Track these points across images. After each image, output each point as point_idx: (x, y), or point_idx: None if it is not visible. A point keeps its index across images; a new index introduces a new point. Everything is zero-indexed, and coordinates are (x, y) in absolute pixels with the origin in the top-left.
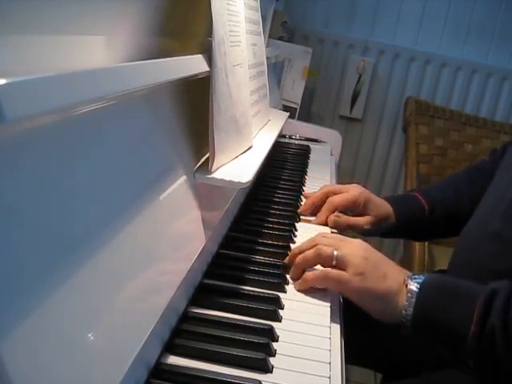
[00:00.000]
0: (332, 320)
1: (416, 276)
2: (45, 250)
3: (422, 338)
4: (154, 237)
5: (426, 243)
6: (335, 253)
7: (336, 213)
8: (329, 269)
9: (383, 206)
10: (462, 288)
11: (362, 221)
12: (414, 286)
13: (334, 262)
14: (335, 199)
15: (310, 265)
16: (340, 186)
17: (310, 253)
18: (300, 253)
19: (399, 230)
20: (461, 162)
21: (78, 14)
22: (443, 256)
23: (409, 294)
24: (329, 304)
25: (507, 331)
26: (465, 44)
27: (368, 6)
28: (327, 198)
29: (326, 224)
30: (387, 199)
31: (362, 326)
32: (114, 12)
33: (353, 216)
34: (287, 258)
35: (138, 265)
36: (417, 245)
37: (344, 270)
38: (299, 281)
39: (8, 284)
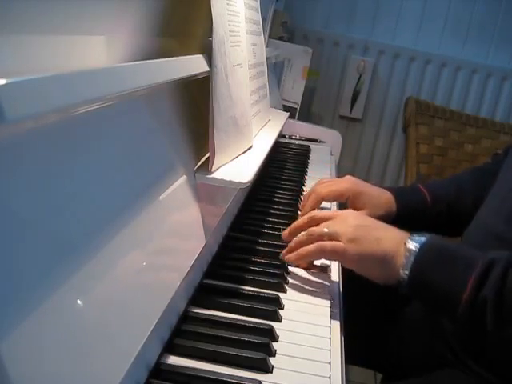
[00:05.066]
0: (332, 320)
1: (416, 236)
2: (44, 250)
3: (418, 299)
4: (154, 237)
5: None
6: (325, 230)
7: None
8: (323, 242)
9: (380, 196)
10: (462, 253)
11: None
12: (413, 246)
13: (325, 239)
14: (322, 190)
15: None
16: (334, 179)
17: (301, 236)
18: (295, 229)
19: (400, 219)
20: (461, 162)
21: (77, 13)
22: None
23: (407, 254)
24: (329, 304)
25: (499, 304)
26: (465, 44)
27: (368, 6)
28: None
29: None
30: (389, 189)
31: (362, 326)
32: (113, 12)
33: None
34: (283, 234)
35: (138, 265)
36: None
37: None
38: (294, 254)
39: (8, 284)
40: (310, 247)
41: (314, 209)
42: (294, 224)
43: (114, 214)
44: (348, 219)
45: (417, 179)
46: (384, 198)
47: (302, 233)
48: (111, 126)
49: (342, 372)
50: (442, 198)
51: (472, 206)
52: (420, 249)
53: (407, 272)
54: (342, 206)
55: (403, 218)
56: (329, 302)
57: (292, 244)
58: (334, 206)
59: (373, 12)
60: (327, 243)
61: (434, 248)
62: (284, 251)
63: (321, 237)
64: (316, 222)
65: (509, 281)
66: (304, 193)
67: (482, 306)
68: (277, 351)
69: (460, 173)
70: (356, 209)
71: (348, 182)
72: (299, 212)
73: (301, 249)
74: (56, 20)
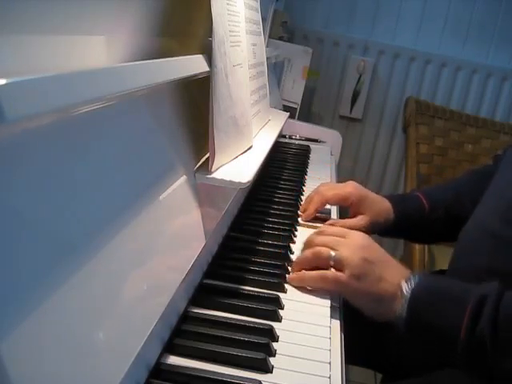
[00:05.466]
0: (332, 320)
1: (411, 279)
2: (44, 250)
3: (418, 339)
4: (154, 237)
5: None
6: (333, 254)
7: (330, 221)
8: (326, 271)
9: (381, 203)
10: (452, 292)
11: (357, 223)
12: (406, 291)
13: (331, 263)
14: (327, 192)
15: (307, 265)
16: (337, 184)
17: (308, 253)
18: (309, 243)
19: (398, 228)
20: (461, 162)
21: (77, 13)
22: (443, 256)
23: (403, 300)
24: (329, 304)
25: (496, 336)
26: (465, 44)
27: (368, 6)
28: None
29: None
30: (387, 197)
31: (362, 326)
32: (113, 12)
33: (351, 216)
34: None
35: (138, 265)
36: (417, 245)
37: (341, 271)
38: (296, 276)
39: (8, 284)
40: (314, 275)
41: (317, 210)
42: (306, 240)
43: (114, 213)
44: (357, 248)
45: (417, 179)
46: (384, 205)
47: (308, 251)
48: (111, 125)
49: (342, 372)
50: (439, 204)
51: (470, 211)
52: (412, 293)
53: (403, 315)
54: (344, 210)
55: (401, 225)
56: (329, 301)
57: (298, 260)
58: (333, 208)
59: (373, 12)
60: (330, 275)
61: (424, 291)
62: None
63: (326, 260)
64: (326, 234)
65: (501, 313)
66: (304, 193)
67: (480, 342)
68: (277, 351)
69: (459, 176)
70: (358, 213)
71: (352, 187)
72: (299, 212)
73: (304, 274)
74: (56, 20)
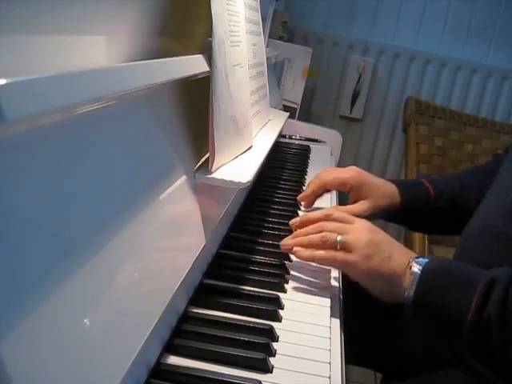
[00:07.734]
0: (332, 320)
1: (421, 258)
2: (44, 250)
3: (424, 321)
4: (154, 237)
5: (427, 243)
6: (339, 238)
7: (331, 208)
8: (336, 253)
9: (384, 187)
10: (463, 273)
11: (359, 208)
12: (417, 269)
13: (338, 247)
14: (325, 176)
15: (313, 247)
16: (338, 168)
17: (315, 238)
18: (307, 222)
19: (403, 212)
20: (461, 162)
21: (78, 13)
22: (443, 256)
23: (412, 276)
24: (329, 304)
25: (503, 321)
26: (465, 44)
27: (368, 6)
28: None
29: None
30: (393, 181)
31: (362, 326)
32: (113, 12)
33: (352, 202)
34: (293, 222)
35: (138, 265)
36: (417, 245)
37: (349, 253)
38: (307, 251)
39: (8, 284)
40: (323, 254)
41: (315, 193)
42: (307, 217)
43: (114, 213)
44: (362, 231)
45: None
46: (388, 189)
47: (312, 227)
48: (111, 126)
49: (342, 372)
50: (445, 192)
51: (474, 204)
52: (423, 271)
53: (411, 295)
54: (343, 196)
55: (406, 210)
56: (329, 301)
57: (304, 240)
58: (333, 195)
59: (373, 12)
60: (339, 254)
61: (436, 269)
62: (290, 241)
63: (333, 244)
64: (331, 219)
65: (510, 297)
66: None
67: (486, 325)
68: (277, 351)
69: (462, 171)
70: (359, 198)
71: (352, 171)
72: (301, 210)
73: (315, 253)
74: (56, 20)
